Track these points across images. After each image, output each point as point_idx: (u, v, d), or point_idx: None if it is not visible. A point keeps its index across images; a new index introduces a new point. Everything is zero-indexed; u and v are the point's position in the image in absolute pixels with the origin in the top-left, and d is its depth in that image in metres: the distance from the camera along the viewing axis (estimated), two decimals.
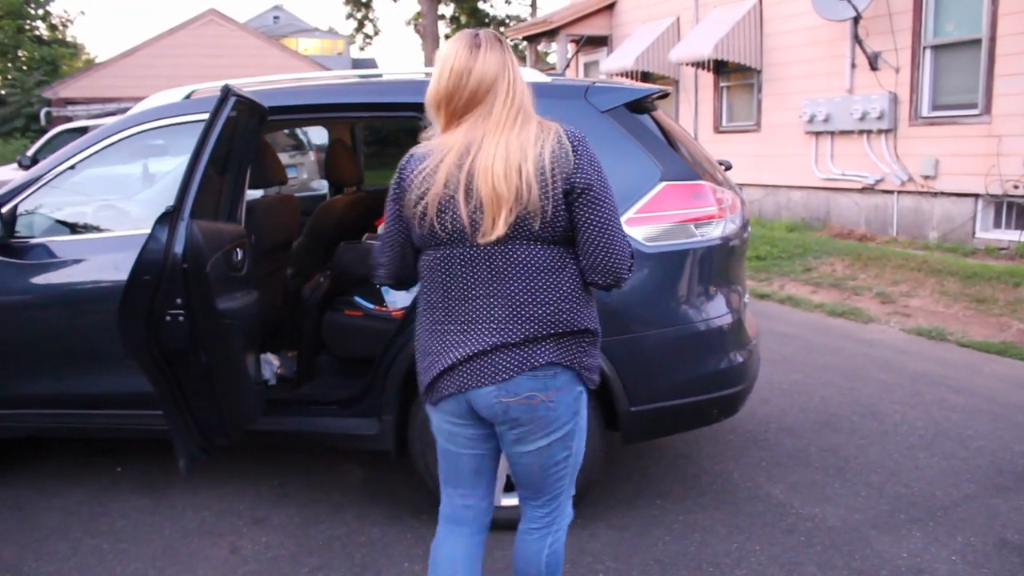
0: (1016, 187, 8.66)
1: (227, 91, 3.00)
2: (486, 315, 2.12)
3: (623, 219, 3.20)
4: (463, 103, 2.11)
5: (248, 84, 3.97)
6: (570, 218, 2.09)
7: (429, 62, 24.79)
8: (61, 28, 37.35)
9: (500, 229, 2.04)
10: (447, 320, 2.17)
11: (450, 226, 2.08)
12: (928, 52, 9.58)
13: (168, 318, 2.98)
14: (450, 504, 2.44)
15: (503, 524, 3.48)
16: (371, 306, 3.92)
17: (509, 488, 3.47)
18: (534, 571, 2.40)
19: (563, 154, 2.07)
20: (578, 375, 2.21)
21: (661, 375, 3.34)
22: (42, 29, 35.78)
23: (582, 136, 2.14)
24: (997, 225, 9.15)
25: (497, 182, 2.02)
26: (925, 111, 9.68)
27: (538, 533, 2.40)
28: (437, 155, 2.09)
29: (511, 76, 2.12)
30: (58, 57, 32.77)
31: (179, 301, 2.97)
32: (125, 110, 4.20)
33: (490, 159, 2.03)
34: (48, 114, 17.47)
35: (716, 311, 3.38)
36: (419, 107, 2.26)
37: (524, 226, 2.06)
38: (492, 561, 3.28)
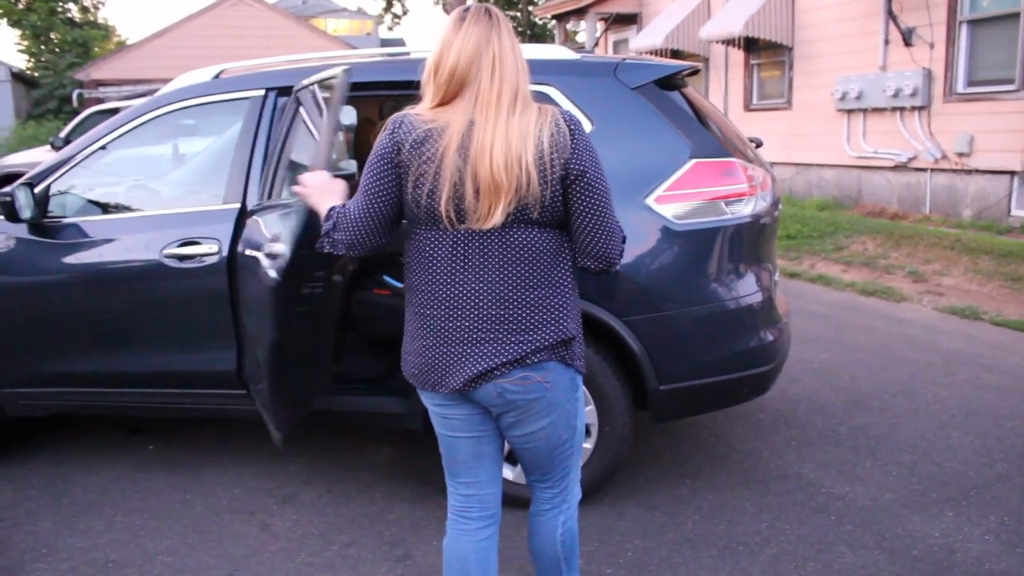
0: None
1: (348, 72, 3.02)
2: (474, 300, 2.10)
3: (653, 196, 3.20)
4: (445, 79, 2.07)
5: (279, 63, 3.98)
6: (565, 203, 2.08)
7: None
8: (93, 10, 37.63)
9: (497, 218, 2.02)
10: (433, 304, 2.14)
11: (446, 208, 2.04)
12: (964, 27, 9.40)
13: (307, 290, 3.04)
14: (454, 495, 2.41)
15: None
16: (400, 285, 3.93)
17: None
18: (550, 552, 2.41)
19: (561, 139, 2.05)
20: (568, 364, 2.20)
21: (691, 354, 3.32)
22: (74, 11, 36.06)
23: (577, 120, 2.12)
24: None
25: (497, 171, 1.99)
26: (960, 87, 9.51)
27: (550, 514, 2.40)
28: (438, 134, 2.05)
29: (496, 53, 2.06)
30: (90, 39, 33.05)
31: (319, 274, 3.00)
32: (155, 91, 4.22)
33: (488, 145, 2.00)
34: (80, 96, 17.62)
35: (746, 289, 3.35)
36: None
37: (522, 212, 2.05)
38: (520, 539, 3.29)
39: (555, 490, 2.39)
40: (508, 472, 3.49)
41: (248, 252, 3.14)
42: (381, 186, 2.11)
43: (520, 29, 38.27)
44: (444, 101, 2.09)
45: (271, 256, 2.86)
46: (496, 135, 2.01)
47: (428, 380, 2.19)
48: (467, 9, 2.10)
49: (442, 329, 2.13)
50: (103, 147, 3.84)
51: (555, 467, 2.34)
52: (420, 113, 2.10)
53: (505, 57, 2.07)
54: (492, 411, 2.21)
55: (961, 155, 9.39)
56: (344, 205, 2.19)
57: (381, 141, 2.11)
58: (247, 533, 3.43)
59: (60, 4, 34.51)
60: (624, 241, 2.17)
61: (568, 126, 2.07)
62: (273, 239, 2.91)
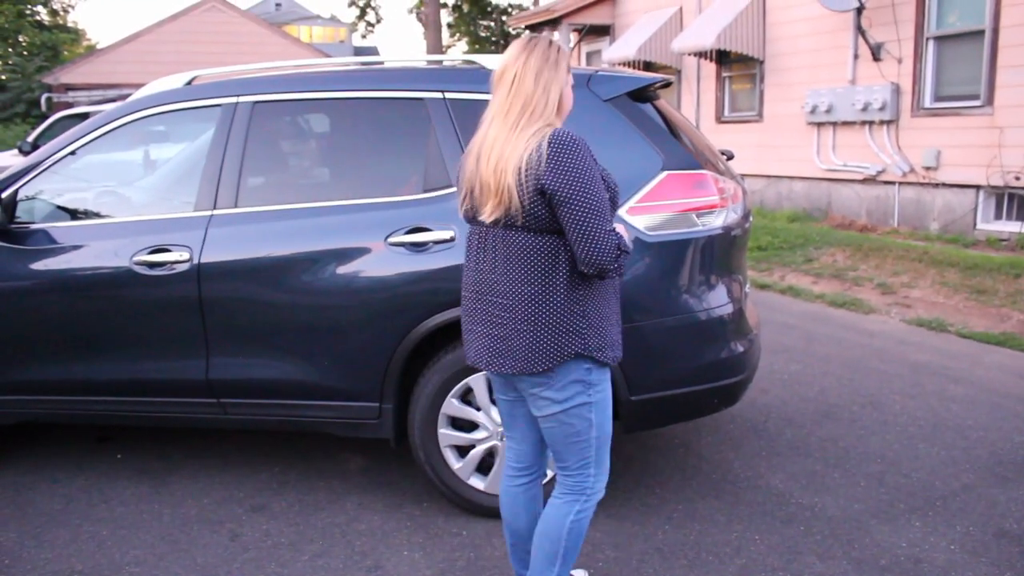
0: (1018, 178, 8.64)
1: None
2: (489, 289, 2.41)
3: (625, 208, 3.22)
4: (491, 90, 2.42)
5: (251, 71, 3.97)
6: (551, 214, 2.30)
7: (431, 50, 24.71)
8: (62, 13, 37.22)
9: (487, 215, 2.34)
10: (465, 287, 2.51)
11: (466, 203, 2.45)
12: (931, 43, 9.55)
13: None
14: (507, 447, 2.74)
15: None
16: None
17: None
18: (554, 534, 2.56)
19: (536, 158, 2.26)
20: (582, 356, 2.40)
21: (662, 364, 3.33)
22: (43, 14, 35.64)
23: (567, 140, 2.28)
24: (998, 216, 9.14)
25: (486, 175, 2.32)
26: (927, 102, 9.65)
27: (566, 499, 2.56)
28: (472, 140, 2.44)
29: (518, 72, 2.33)
30: (59, 43, 32.68)
31: None
32: (126, 96, 4.19)
33: (488, 150, 2.33)
34: (49, 100, 17.43)
35: (717, 301, 3.38)
36: None
37: (510, 218, 2.32)
38: (491, 549, 3.29)
39: (573, 479, 2.55)
40: (479, 482, 3.49)
41: None
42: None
43: (494, 39, 38.36)
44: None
45: None
46: (496, 142, 2.31)
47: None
48: (525, 39, 2.43)
49: (466, 308, 2.50)
50: (73, 152, 3.81)
51: (570, 456, 2.52)
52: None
53: (525, 76, 2.33)
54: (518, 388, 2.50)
55: (928, 169, 9.53)
56: None
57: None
58: (216, 543, 3.40)
59: (28, 6, 34.11)
60: (619, 250, 2.30)
61: (549, 145, 2.26)
62: None
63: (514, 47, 2.39)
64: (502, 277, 2.37)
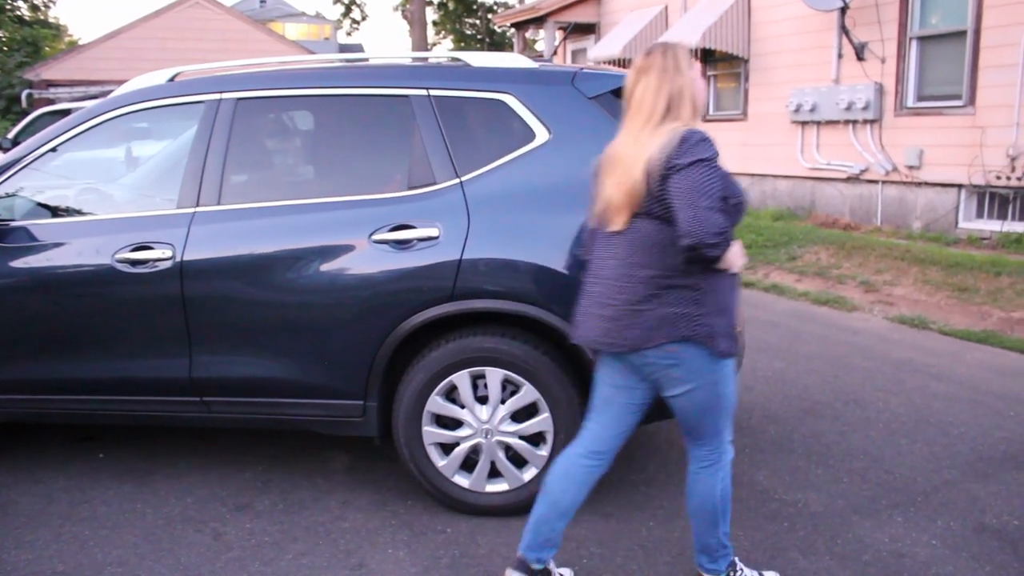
0: (999, 178, 8.71)
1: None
2: (611, 281, 2.60)
3: None
4: (626, 108, 2.63)
5: (235, 67, 3.95)
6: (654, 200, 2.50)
7: (417, 48, 24.67)
8: (43, 8, 36.93)
9: (619, 224, 2.57)
10: (591, 277, 2.71)
11: (594, 209, 2.69)
12: (914, 43, 9.60)
13: None
14: (585, 424, 2.87)
15: (489, 511, 3.50)
16: None
17: (494, 474, 3.47)
18: (709, 506, 2.78)
19: (668, 144, 2.45)
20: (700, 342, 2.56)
21: None
22: (23, 9, 35.33)
23: (699, 134, 2.46)
24: (979, 215, 9.20)
25: (610, 192, 2.57)
26: (910, 102, 9.71)
27: (708, 471, 2.77)
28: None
29: (642, 89, 2.56)
30: (40, 38, 32.41)
31: None
32: (108, 93, 4.17)
33: (615, 163, 2.58)
34: (30, 96, 17.28)
35: None
36: None
37: (642, 211, 2.52)
38: (475, 547, 3.29)
39: (708, 448, 2.76)
40: (464, 480, 3.49)
41: None
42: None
43: (479, 37, 38.34)
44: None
45: None
46: (619, 158, 2.56)
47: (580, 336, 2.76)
48: (648, 50, 2.63)
49: (590, 295, 2.70)
50: (54, 149, 3.78)
51: (705, 428, 2.72)
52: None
53: (646, 97, 2.55)
54: (644, 373, 2.65)
55: (911, 168, 9.59)
56: None
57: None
58: (200, 542, 3.38)
59: (9, 2, 33.84)
60: (724, 234, 2.38)
61: (681, 137, 2.45)
62: None
63: (634, 66, 2.61)
64: (630, 263, 2.56)
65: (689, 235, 2.36)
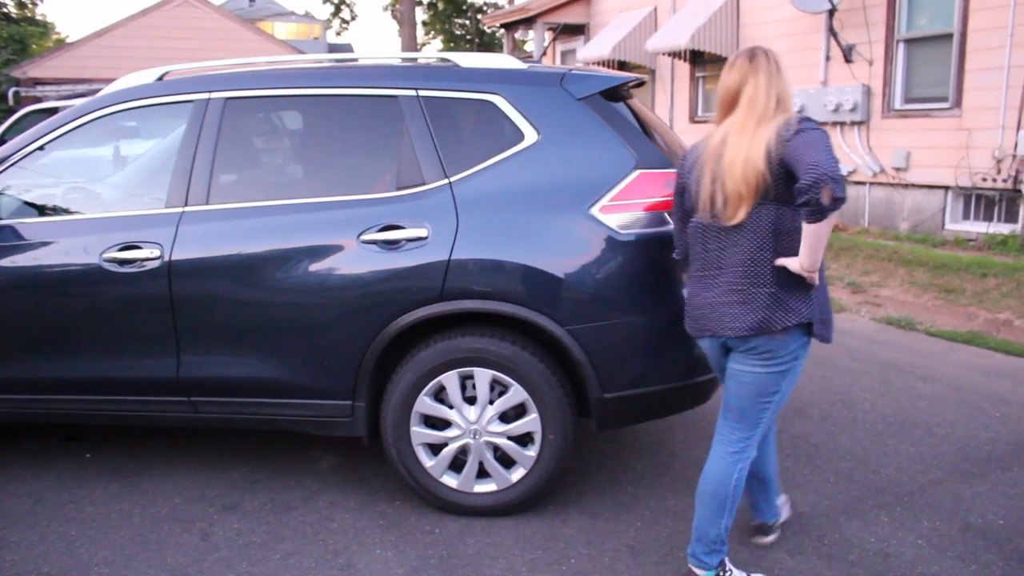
0: (985, 180, 8.76)
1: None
2: (722, 269, 2.77)
3: (597, 207, 3.24)
4: (720, 106, 2.82)
5: (224, 67, 3.94)
6: (779, 175, 2.63)
7: (406, 48, 24.65)
8: (30, 6, 36.74)
9: (740, 217, 2.69)
10: (698, 268, 2.87)
11: (705, 204, 2.77)
12: (901, 45, 9.66)
13: None
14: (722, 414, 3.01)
15: (477, 511, 3.51)
16: None
17: (482, 474, 3.48)
18: (722, 493, 2.89)
19: (785, 128, 2.62)
20: (806, 328, 2.77)
21: (634, 362, 3.35)
22: (10, 7, 35.16)
23: (805, 118, 2.66)
24: (966, 217, 9.26)
25: (737, 182, 2.66)
26: (897, 104, 9.76)
27: (732, 458, 2.90)
28: (703, 147, 2.81)
29: (752, 89, 2.73)
30: (27, 36, 32.20)
31: None
32: (96, 91, 4.15)
33: (735, 160, 2.67)
34: (16, 94, 17.17)
35: None
36: None
37: (765, 198, 2.66)
38: (464, 547, 3.29)
39: (743, 433, 2.90)
40: (452, 480, 3.49)
41: None
42: (676, 200, 3.00)
43: (469, 38, 38.33)
44: (719, 122, 2.82)
45: None
46: (738, 152, 2.67)
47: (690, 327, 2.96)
48: (740, 52, 2.81)
49: (695, 286, 2.89)
50: (41, 147, 3.76)
51: (750, 414, 2.87)
52: (705, 136, 2.84)
53: (758, 96, 2.72)
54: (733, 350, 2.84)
55: (898, 170, 9.64)
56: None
57: (679, 162, 2.99)
58: (187, 543, 3.38)
59: None
60: (837, 177, 2.48)
61: (798, 119, 2.64)
62: None
63: (739, 67, 2.77)
64: (754, 251, 2.71)
65: (816, 166, 2.47)
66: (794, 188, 2.53)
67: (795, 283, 2.72)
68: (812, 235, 2.58)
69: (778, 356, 2.77)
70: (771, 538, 3.26)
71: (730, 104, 2.78)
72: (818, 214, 2.52)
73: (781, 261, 2.69)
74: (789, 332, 2.74)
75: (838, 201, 2.48)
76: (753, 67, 2.75)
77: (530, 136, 3.37)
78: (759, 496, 3.22)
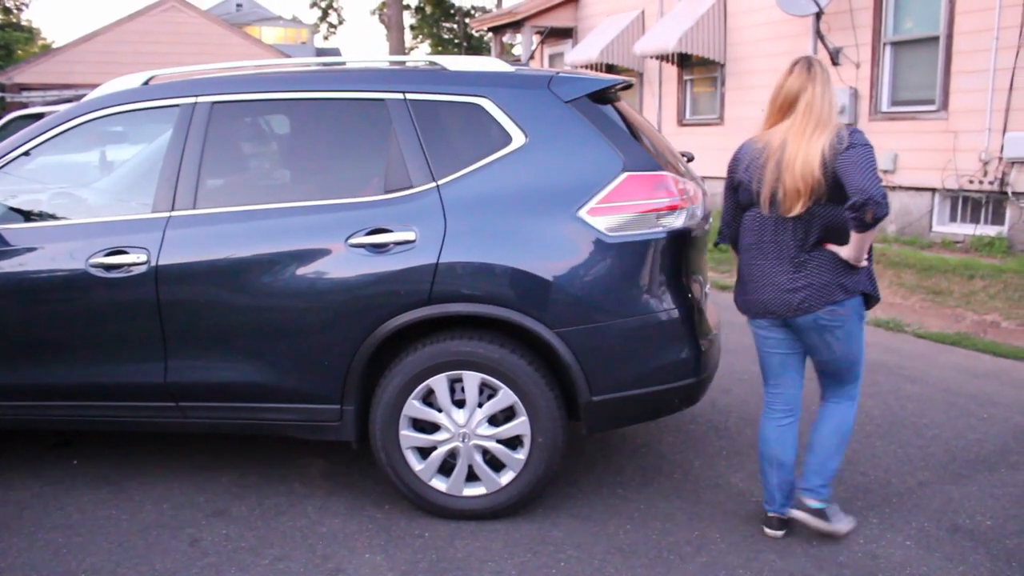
0: (972, 182, 8.81)
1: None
2: (788, 258, 3.10)
3: (585, 209, 3.25)
4: (777, 108, 3.13)
5: (210, 71, 3.93)
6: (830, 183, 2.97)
7: (394, 52, 24.64)
8: (15, 12, 36.59)
9: (798, 210, 3.01)
10: (760, 258, 3.17)
11: (765, 197, 3.07)
12: (888, 48, 9.71)
13: None
14: (767, 393, 3.40)
15: (466, 515, 3.50)
16: None
17: (471, 478, 3.47)
18: (842, 431, 3.31)
19: (837, 141, 2.95)
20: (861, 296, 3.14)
21: (622, 365, 3.35)
22: None
23: (856, 130, 3.01)
24: (953, 219, 9.31)
25: (795, 181, 2.98)
26: (884, 106, 9.81)
27: (846, 405, 3.32)
28: (761, 146, 3.11)
29: (810, 96, 3.04)
30: (12, 41, 32.11)
31: None
32: (82, 96, 4.13)
33: (793, 161, 2.98)
34: (2, 100, 17.11)
35: (677, 301, 3.39)
36: None
37: (819, 197, 3.00)
38: (453, 551, 3.29)
39: (848, 388, 3.30)
40: (441, 484, 3.49)
41: None
42: (727, 193, 3.31)
43: (456, 41, 38.36)
44: (771, 125, 3.14)
45: None
46: (798, 154, 2.98)
47: (751, 311, 3.29)
48: (798, 60, 3.13)
49: (769, 276, 3.17)
50: (27, 153, 3.74)
51: (849, 372, 3.27)
52: (755, 137, 3.21)
53: (815, 102, 3.03)
54: (805, 335, 3.18)
55: (885, 172, 9.67)
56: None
57: (730, 160, 3.27)
58: (175, 548, 3.36)
59: None
60: (884, 196, 2.84)
61: (849, 132, 3.00)
62: None
63: (798, 75, 3.07)
64: (810, 239, 3.06)
65: (862, 191, 2.83)
66: (845, 203, 2.90)
67: (845, 264, 3.08)
68: (858, 239, 2.99)
69: (839, 329, 3.12)
70: (778, 533, 3.38)
71: (786, 108, 3.10)
72: (863, 227, 2.91)
73: (832, 248, 3.07)
74: (846, 303, 3.10)
75: (880, 219, 2.88)
76: (811, 76, 3.06)
77: (518, 139, 3.37)
78: (785, 484, 3.37)
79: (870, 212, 2.83)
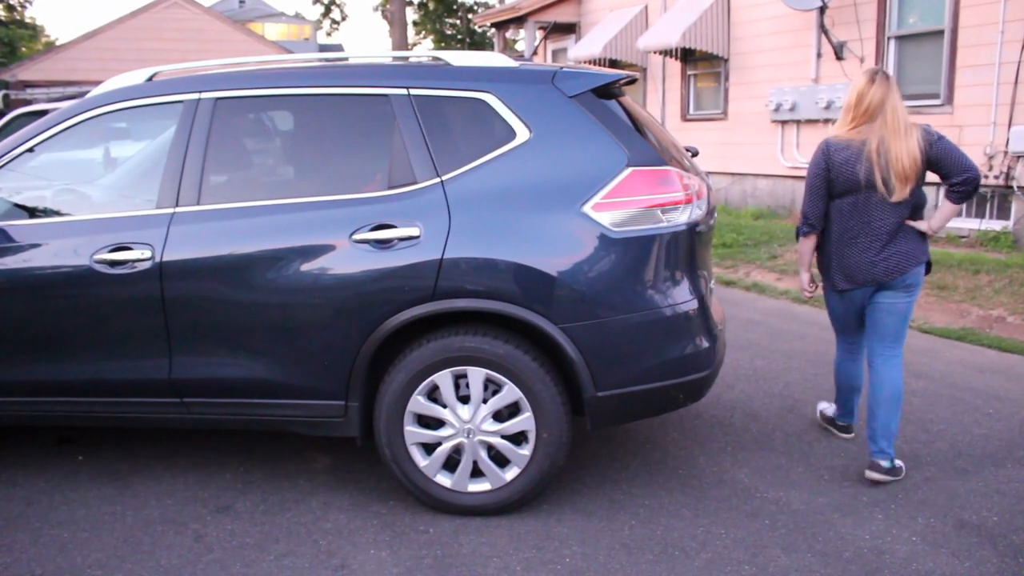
0: None
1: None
2: (887, 233, 3.71)
3: (590, 204, 3.24)
4: (862, 112, 3.68)
5: (214, 67, 3.93)
6: (932, 167, 3.68)
7: (397, 48, 24.62)
8: (19, 9, 36.62)
9: (905, 194, 3.65)
10: (861, 235, 3.74)
11: (870, 183, 3.66)
12: (892, 42, 9.68)
13: None
14: (842, 342, 4.16)
15: (471, 510, 3.50)
16: None
17: (476, 474, 3.47)
18: (898, 391, 3.80)
19: (926, 142, 3.63)
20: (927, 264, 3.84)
21: (627, 360, 3.35)
22: None
23: (929, 126, 3.69)
24: (958, 213, 9.26)
25: (906, 170, 3.60)
26: None
27: (891, 363, 3.83)
28: (859, 143, 3.67)
29: (894, 102, 3.65)
30: (16, 39, 32.14)
31: None
32: (85, 93, 4.13)
33: (900, 154, 3.60)
34: (6, 97, 17.11)
35: (682, 297, 3.39)
36: None
37: (916, 182, 3.68)
38: (458, 547, 3.29)
39: (899, 346, 3.86)
40: (446, 480, 3.49)
41: None
42: (821, 185, 3.80)
43: (459, 37, 38.31)
44: (856, 127, 3.70)
45: None
46: (903, 149, 3.60)
47: (850, 281, 3.84)
48: (876, 72, 3.71)
49: (870, 250, 3.76)
50: (31, 149, 3.74)
51: (902, 333, 3.86)
52: (839, 135, 3.75)
53: (898, 105, 3.66)
54: (884, 293, 3.79)
55: None
56: (802, 210, 3.93)
57: (814, 157, 3.82)
58: (180, 544, 3.36)
59: None
60: (974, 169, 3.63)
61: (930, 131, 3.67)
62: None
63: (880, 84, 3.66)
64: (905, 218, 3.73)
65: (970, 169, 3.61)
66: (950, 181, 3.64)
67: (922, 236, 3.78)
68: (951, 211, 3.76)
69: (917, 285, 3.79)
70: (851, 435, 4.24)
71: (872, 113, 3.66)
72: (964, 199, 3.69)
73: (914, 224, 3.76)
74: (922, 267, 3.77)
75: (976, 191, 3.68)
76: (890, 84, 3.66)
77: (522, 134, 3.36)
78: (848, 401, 4.21)
79: (974, 184, 3.61)
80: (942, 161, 3.63)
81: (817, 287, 4.10)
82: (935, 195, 9.27)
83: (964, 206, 9.09)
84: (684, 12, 12.11)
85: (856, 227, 3.74)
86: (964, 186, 3.62)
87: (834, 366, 4.21)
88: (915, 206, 3.75)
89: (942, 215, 3.76)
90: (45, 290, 3.62)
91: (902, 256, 3.72)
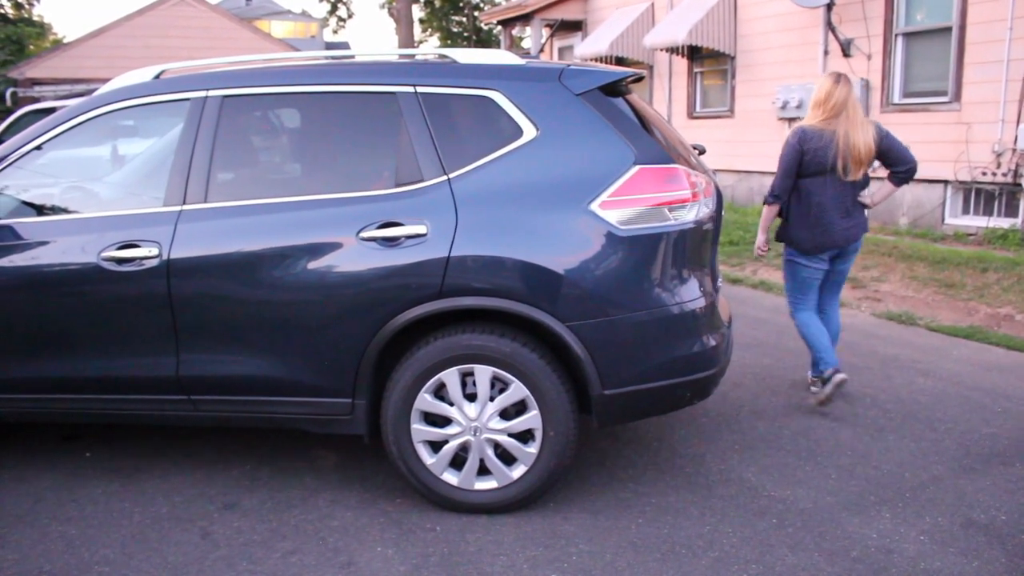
0: (984, 174, 8.75)
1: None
2: (846, 208, 4.52)
3: (597, 202, 3.24)
4: (830, 108, 4.40)
5: (221, 65, 3.93)
6: (880, 156, 4.51)
7: (403, 46, 24.61)
8: (27, 7, 36.67)
9: (859, 176, 4.48)
10: (825, 210, 4.48)
11: (834, 167, 4.41)
12: (900, 39, 9.65)
13: None
14: (805, 304, 4.74)
15: (478, 508, 3.50)
16: None
17: (483, 471, 3.47)
18: (839, 329, 4.93)
19: (876, 135, 4.45)
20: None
21: (634, 358, 3.34)
22: (7, 8, 35.10)
23: (883, 126, 4.53)
24: (965, 211, 9.26)
25: (862, 156, 4.40)
26: (896, 98, 9.75)
27: (837, 309, 4.94)
28: (830, 133, 4.39)
29: (852, 101, 4.41)
30: (24, 36, 32.17)
31: None
32: (93, 91, 4.13)
33: (859, 141, 4.37)
34: (14, 94, 17.15)
35: (689, 295, 3.39)
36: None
37: (868, 165, 4.48)
38: (465, 544, 3.28)
39: (838, 297, 4.93)
40: (453, 477, 3.49)
41: None
42: (793, 163, 4.47)
43: (466, 35, 38.29)
44: (826, 119, 4.40)
45: None
46: (860, 138, 4.38)
47: (820, 248, 4.58)
48: (839, 75, 4.48)
49: (833, 222, 4.52)
50: (39, 147, 3.75)
51: (841, 287, 4.91)
52: (812, 124, 4.44)
53: (856, 103, 4.45)
54: (840, 257, 4.68)
55: None
56: (773, 184, 4.61)
57: (791, 141, 4.46)
58: (187, 541, 3.37)
59: None
60: (913, 159, 4.58)
61: (880, 126, 4.51)
62: None
63: (844, 85, 4.41)
64: (857, 195, 4.56)
65: (911, 161, 4.51)
66: (893, 169, 4.55)
67: (864, 209, 4.64)
68: (891, 190, 4.74)
69: (859, 249, 4.69)
70: (843, 376, 4.59)
71: (837, 109, 4.38)
72: (903, 183, 4.63)
73: (863, 199, 4.60)
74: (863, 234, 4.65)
75: (912, 178, 4.61)
76: (850, 86, 4.44)
77: (529, 132, 3.36)
78: (826, 349, 4.68)
79: (912, 173, 4.54)
80: (890, 152, 4.51)
81: (770, 248, 4.86)
82: (945, 192, 9.25)
83: (972, 204, 9.11)
84: (690, 9, 12.09)
85: (826, 202, 4.48)
86: (905, 173, 4.56)
87: (805, 327, 4.70)
88: (864, 186, 4.59)
89: (883, 193, 4.73)
90: (53, 287, 3.62)
91: (857, 226, 4.57)
